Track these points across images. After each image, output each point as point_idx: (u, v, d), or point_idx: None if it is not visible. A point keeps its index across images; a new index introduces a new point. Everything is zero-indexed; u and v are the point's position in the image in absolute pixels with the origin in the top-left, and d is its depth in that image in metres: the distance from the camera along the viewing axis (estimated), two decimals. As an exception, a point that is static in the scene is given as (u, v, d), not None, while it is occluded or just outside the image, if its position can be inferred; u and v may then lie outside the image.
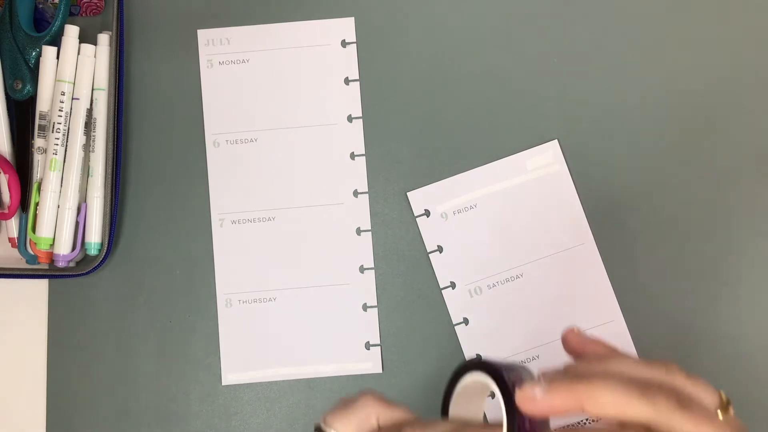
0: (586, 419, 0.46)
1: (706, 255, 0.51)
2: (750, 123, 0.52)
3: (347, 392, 0.50)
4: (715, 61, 0.53)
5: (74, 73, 0.50)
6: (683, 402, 0.27)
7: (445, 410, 0.33)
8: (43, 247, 0.50)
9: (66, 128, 0.50)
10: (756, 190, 0.52)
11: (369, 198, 0.52)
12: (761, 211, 0.52)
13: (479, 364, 0.30)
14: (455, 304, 0.51)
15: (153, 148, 0.53)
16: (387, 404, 0.32)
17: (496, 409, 0.29)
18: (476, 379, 0.31)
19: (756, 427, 0.50)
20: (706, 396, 0.29)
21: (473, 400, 0.33)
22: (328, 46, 0.54)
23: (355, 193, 0.52)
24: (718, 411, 0.28)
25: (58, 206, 0.50)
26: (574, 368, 0.30)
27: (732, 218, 0.52)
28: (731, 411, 0.29)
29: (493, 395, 0.29)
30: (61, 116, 0.50)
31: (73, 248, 0.51)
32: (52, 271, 0.51)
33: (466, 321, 0.51)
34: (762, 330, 0.51)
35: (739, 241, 0.51)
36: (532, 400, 0.27)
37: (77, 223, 0.51)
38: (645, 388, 0.27)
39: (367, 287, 0.52)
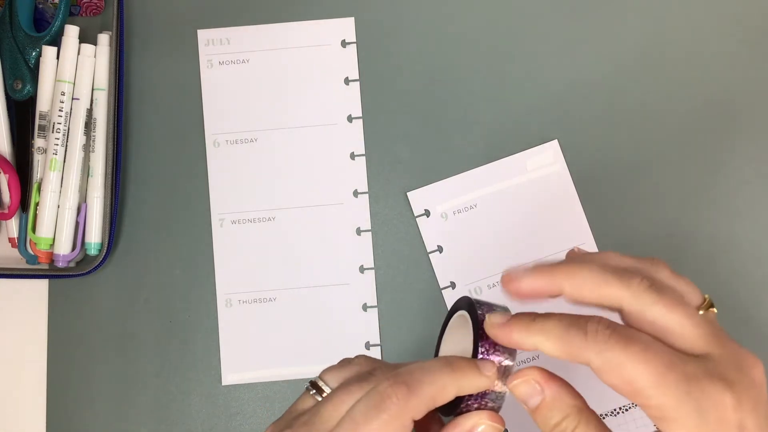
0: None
1: (707, 254, 0.51)
2: (755, 126, 0.52)
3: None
4: (716, 61, 0.53)
5: (74, 73, 0.50)
6: (658, 286, 0.27)
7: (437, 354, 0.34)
8: (43, 247, 0.50)
9: (66, 128, 0.50)
10: (760, 193, 0.52)
11: (369, 198, 0.52)
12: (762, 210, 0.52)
13: (461, 305, 0.32)
14: (455, 304, 0.51)
15: (153, 148, 0.53)
16: (381, 362, 0.33)
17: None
18: (457, 317, 0.33)
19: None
20: (689, 292, 0.29)
21: (459, 340, 0.34)
22: (328, 46, 0.54)
23: (355, 193, 0.52)
24: (699, 310, 0.28)
25: (58, 206, 0.50)
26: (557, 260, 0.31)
27: (734, 217, 0.52)
28: (713, 311, 0.29)
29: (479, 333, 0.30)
30: (61, 116, 0.50)
31: (73, 248, 0.51)
32: (52, 271, 0.51)
33: (466, 321, 0.51)
34: (762, 330, 0.51)
35: (742, 241, 0.51)
36: (516, 280, 0.29)
37: (77, 223, 0.51)
38: (622, 271, 0.28)
39: (367, 287, 0.52)
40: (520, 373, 0.29)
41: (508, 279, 0.29)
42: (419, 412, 0.28)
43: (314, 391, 0.32)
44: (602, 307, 0.28)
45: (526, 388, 0.29)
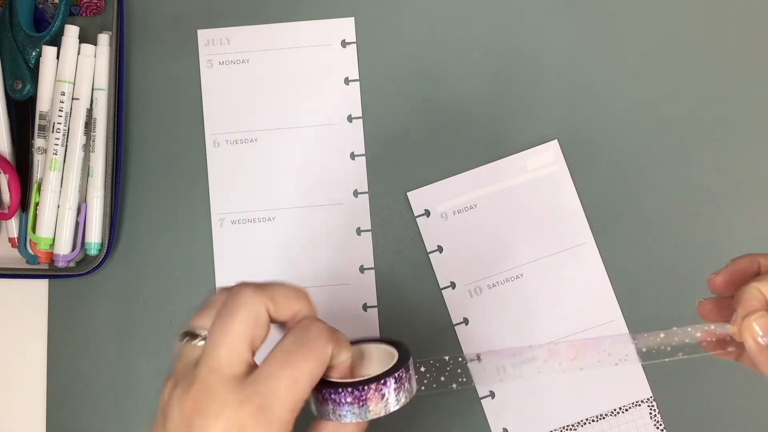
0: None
1: (706, 255, 0.51)
2: (751, 127, 0.52)
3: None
4: (718, 61, 0.53)
5: (74, 73, 0.50)
6: None
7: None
8: (43, 247, 0.50)
9: (66, 128, 0.50)
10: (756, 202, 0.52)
11: (369, 198, 0.52)
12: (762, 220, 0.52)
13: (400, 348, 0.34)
14: (455, 304, 0.51)
15: (153, 148, 0.53)
16: (262, 288, 0.30)
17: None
18: (385, 350, 0.34)
19: None
20: None
21: (376, 359, 0.35)
22: (328, 46, 0.54)
23: (355, 193, 0.53)
24: None
25: (58, 206, 0.50)
26: None
27: (734, 217, 0.52)
28: None
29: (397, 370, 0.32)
30: (61, 116, 0.50)
31: (73, 248, 0.51)
32: (52, 271, 0.51)
33: (466, 321, 0.51)
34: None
35: (740, 243, 0.51)
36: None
37: (77, 223, 0.51)
38: None
39: (367, 287, 0.52)
40: (753, 312, 0.31)
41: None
42: (326, 363, 0.30)
43: (196, 339, 0.32)
44: None
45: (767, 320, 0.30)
